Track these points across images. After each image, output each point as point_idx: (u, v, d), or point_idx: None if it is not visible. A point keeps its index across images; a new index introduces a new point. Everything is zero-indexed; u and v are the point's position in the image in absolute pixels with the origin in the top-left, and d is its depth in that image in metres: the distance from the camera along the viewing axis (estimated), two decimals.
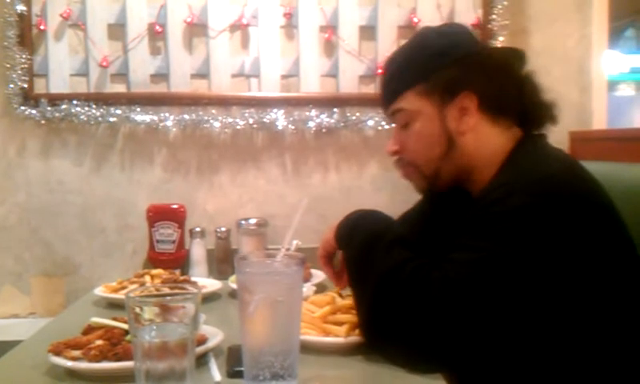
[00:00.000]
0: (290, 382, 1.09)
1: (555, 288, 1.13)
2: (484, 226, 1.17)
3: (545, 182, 1.20)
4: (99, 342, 1.24)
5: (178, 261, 2.27)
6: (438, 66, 1.37)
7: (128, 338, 1.24)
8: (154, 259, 2.27)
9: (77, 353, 1.23)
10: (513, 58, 1.44)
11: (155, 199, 2.54)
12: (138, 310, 1.04)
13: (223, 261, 2.29)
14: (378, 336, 1.18)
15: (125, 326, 1.28)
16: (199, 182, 2.65)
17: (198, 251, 2.25)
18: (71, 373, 1.22)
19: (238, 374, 1.15)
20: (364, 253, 1.27)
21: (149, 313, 1.05)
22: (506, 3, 2.66)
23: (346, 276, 1.40)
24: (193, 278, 1.94)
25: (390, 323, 1.15)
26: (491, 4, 2.66)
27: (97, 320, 1.34)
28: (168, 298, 1.10)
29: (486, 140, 1.37)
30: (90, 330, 1.32)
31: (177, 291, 1.14)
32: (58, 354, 1.24)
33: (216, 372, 1.18)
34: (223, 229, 2.34)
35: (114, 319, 1.34)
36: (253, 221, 2.29)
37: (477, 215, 1.21)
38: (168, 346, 1.04)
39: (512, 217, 1.15)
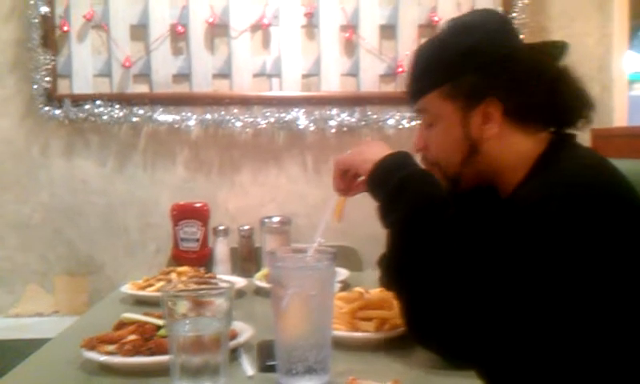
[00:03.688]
0: (322, 376, 1.09)
1: (593, 287, 1.13)
2: (525, 229, 1.16)
3: (582, 187, 1.19)
4: (132, 337, 1.25)
5: (202, 259, 2.28)
6: (464, 68, 1.33)
7: (160, 332, 1.25)
8: (179, 257, 2.29)
9: (110, 348, 1.24)
10: (550, 54, 1.41)
11: (177, 198, 2.55)
12: (172, 304, 1.06)
13: (247, 259, 2.30)
14: (423, 322, 1.19)
15: (157, 322, 1.29)
16: (221, 181, 2.68)
17: (221, 249, 2.26)
18: (104, 367, 1.22)
19: (271, 368, 1.15)
20: (415, 223, 1.25)
21: (183, 307, 1.06)
22: (526, 1, 2.66)
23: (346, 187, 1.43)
24: (217, 276, 1.95)
25: (435, 317, 1.15)
26: (512, 2, 2.67)
27: (128, 316, 1.35)
28: (202, 293, 1.11)
29: (511, 146, 1.35)
30: (121, 325, 1.33)
31: (210, 287, 1.15)
32: (91, 348, 1.25)
33: (248, 366, 1.19)
34: (246, 227, 2.35)
35: (146, 314, 1.36)
36: (276, 219, 2.29)
37: (514, 217, 1.20)
38: (202, 341, 1.06)
39: (552, 221, 1.14)
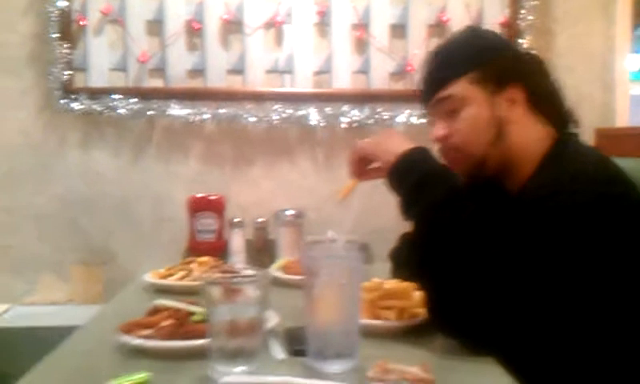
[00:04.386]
0: (351, 361, 1.16)
1: (599, 276, 1.21)
2: (536, 221, 1.24)
3: (589, 183, 1.28)
4: (168, 322, 1.31)
5: (218, 250, 2.34)
6: (491, 57, 1.45)
7: (194, 318, 1.31)
8: (195, 248, 2.35)
9: (146, 332, 1.30)
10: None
11: (190, 191, 2.61)
12: (212, 291, 1.12)
13: (261, 250, 2.36)
14: (445, 309, 1.25)
15: (190, 308, 1.34)
16: (233, 174, 2.74)
17: (237, 241, 2.32)
18: (140, 351, 1.26)
19: (300, 353, 1.21)
20: (435, 217, 1.31)
21: (222, 294, 1.12)
22: (533, 3, 2.72)
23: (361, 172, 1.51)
24: (236, 266, 2.01)
25: (456, 304, 1.22)
26: (519, 4, 2.73)
27: (162, 302, 1.41)
28: (239, 280, 1.18)
29: (528, 133, 1.45)
30: (155, 311, 1.39)
31: (246, 275, 1.21)
32: (128, 332, 1.30)
33: (279, 351, 1.25)
34: (261, 220, 2.42)
35: (179, 301, 1.41)
36: (290, 212, 2.36)
37: (526, 210, 1.28)
38: (239, 326, 1.12)
39: (561, 215, 1.23)
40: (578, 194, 1.25)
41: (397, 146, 1.42)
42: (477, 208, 1.30)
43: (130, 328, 1.31)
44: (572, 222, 1.22)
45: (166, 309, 1.38)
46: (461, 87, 1.45)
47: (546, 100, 1.48)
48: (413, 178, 1.36)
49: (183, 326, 1.30)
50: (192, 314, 1.33)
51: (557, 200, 1.25)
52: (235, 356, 1.12)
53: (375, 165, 1.51)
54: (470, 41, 1.53)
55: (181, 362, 1.21)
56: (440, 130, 1.50)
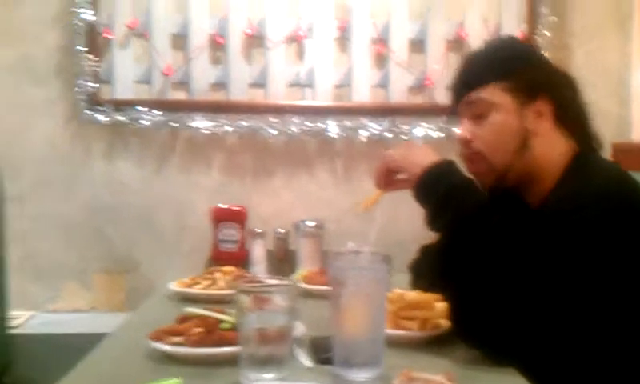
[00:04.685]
0: (376, 369, 1.19)
1: (622, 289, 1.25)
2: (558, 235, 1.27)
3: (610, 198, 1.32)
4: (197, 330, 1.35)
5: (240, 260, 2.38)
6: (524, 67, 1.49)
7: (222, 325, 1.35)
8: (218, 258, 2.40)
9: (177, 339, 1.34)
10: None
11: (212, 202, 2.65)
12: (243, 299, 1.16)
13: (282, 260, 2.41)
14: (469, 320, 1.28)
15: (219, 316, 1.38)
16: (254, 186, 2.79)
17: (258, 251, 2.36)
18: (170, 357, 1.29)
19: (327, 361, 1.25)
20: (462, 228, 1.35)
21: (253, 303, 1.17)
22: (550, 19, 2.76)
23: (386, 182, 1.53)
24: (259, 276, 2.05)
25: (480, 315, 1.25)
26: (536, 19, 2.77)
27: (192, 310, 1.45)
28: (269, 289, 1.22)
29: (552, 147, 1.47)
30: (184, 319, 1.43)
31: (276, 285, 1.25)
32: (158, 339, 1.34)
33: (305, 359, 1.29)
34: (282, 230, 2.46)
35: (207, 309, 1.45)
36: (311, 223, 2.40)
37: (549, 224, 1.31)
38: (269, 334, 1.16)
39: (584, 229, 1.26)
40: (600, 208, 1.29)
41: (423, 158, 1.46)
42: (502, 220, 1.33)
43: (160, 335, 1.35)
44: (595, 237, 1.26)
45: (195, 317, 1.42)
46: (491, 92, 1.47)
47: (573, 116, 1.50)
48: (440, 190, 1.40)
49: (212, 333, 1.33)
50: (221, 321, 1.36)
51: (580, 214, 1.28)
52: (265, 363, 1.15)
53: (401, 176, 1.54)
54: (506, 49, 1.58)
55: (211, 368, 1.24)
56: (465, 131, 1.52)
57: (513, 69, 1.49)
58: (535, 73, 1.49)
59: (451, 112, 1.61)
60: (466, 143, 1.52)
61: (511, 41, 1.65)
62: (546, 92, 1.47)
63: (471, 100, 1.50)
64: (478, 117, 1.50)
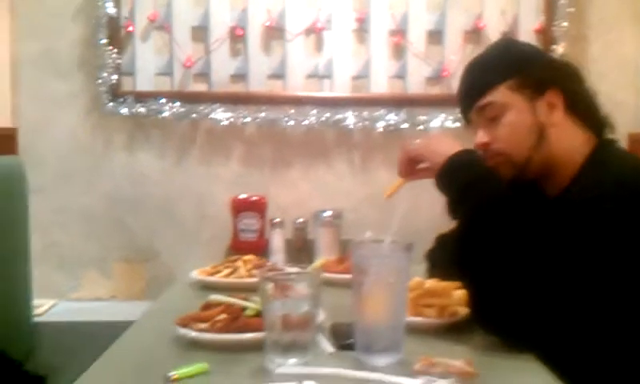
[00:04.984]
0: (397, 355, 1.22)
1: (634, 274, 1.27)
2: (580, 224, 1.29)
3: (631, 187, 1.33)
4: (222, 317, 1.39)
5: (259, 249, 2.41)
6: (528, 64, 1.52)
7: (247, 312, 1.38)
8: (238, 247, 2.43)
9: (202, 325, 1.37)
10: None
11: (232, 192, 2.68)
12: (268, 287, 1.20)
13: (300, 250, 2.44)
14: (488, 306, 1.31)
15: (243, 303, 1.41)
16: (273, 176, 2.83)
17: (277, 240, 2.39)
18: (196, 343, 1.32)
19: (348, 347, 1.28)
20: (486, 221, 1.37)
21: (277, 290, 1.20)
22: (568, 10, 2.77)
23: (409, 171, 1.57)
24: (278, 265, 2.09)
25: (499, 301, 1.27)
26: (554, 11, 2.78)
27: (216, 297, 1.48)
28: (293, 277, 1.25)
29: (569, 137, 1.50)
30: (209, 306, 1.47)
31: (300, 273, 1.29)
32: (184, 326, 1.38)
33: (327, 345, 1.32)
34: (301, 220, 2.50)
35: (232, 296, 1.49)
36: (329, 213, 2.42)
37: (570, 213, 1.33)
38: (292, 320, 1.19)
39: (606, 218, 1.28)
40: (621, 198, 1.31)
41: (446, 147, 1.49)
42: (524, 209, 1.36)
43: (186, 322, 1.38)
44: (616, 227, 1.28)
45: (220, 304, 1.45)
46: (500, 94, 1.51)
47: (583, 105, 1.53)
48: (462, 178, 1.43)
49: (237, 320, 1.37)
50: (245, 308, 1.40)
51: (602, 204, 1.30)
52: (289, 348, 1.19)
53: (423, 165, 1.57)
54: (507, 49, 1.60)
55: (236, 353, 1.27)
56: (482, 137, 1.54)
57: (517, 67, 1.52)
58: (539, 67, 1.52)
59: (465, 122, 1.63)
60: (484, 147, 1.55)
61: (509, 42, 1.69)
62: (553, 84, 1.50)
63: (482, 105, 1.53)
64: (492, 120, 1.53)
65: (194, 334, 1.34)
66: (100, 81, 2.73)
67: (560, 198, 1.48)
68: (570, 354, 1.24)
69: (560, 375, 1.16)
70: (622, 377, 1.32)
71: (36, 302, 2.44)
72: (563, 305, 1.24)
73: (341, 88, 2.80)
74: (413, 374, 1.12)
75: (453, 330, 1.41)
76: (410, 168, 1.60)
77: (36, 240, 2.42)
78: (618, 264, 1.26)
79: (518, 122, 1.51)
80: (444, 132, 2.68)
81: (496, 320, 1.29)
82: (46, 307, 2.68)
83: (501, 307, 1.28)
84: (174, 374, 1.13)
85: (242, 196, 2.54)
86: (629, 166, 1.44)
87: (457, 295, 1.45)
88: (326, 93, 2.81)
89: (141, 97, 2.75)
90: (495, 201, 1.38)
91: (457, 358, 1.17)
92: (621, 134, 1.61)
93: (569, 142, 1.50)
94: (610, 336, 1.27)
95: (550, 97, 1.50)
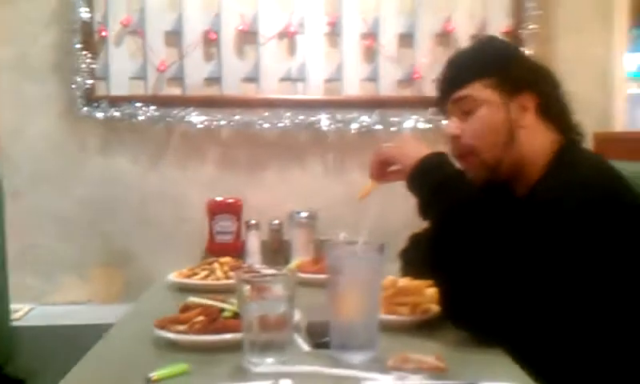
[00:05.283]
0: (371, 351, 1.26)
1: (604, 274, 1.32)
2: (545, 224, 1.34)
3: (594, 188, 1.39)
4: (200, 318, 1.41)
5: (235, 251, 2.42)
6: (507, 64, 1.56)
7: (224, 314, 1.41)
8: (213, 249, 2.45)
9: (181, 327, 1.40)
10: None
11: (207, 195, 2.70)
12: (244, 288, 1.23)
13: (276, 251, 2.46)
14: (459, 303, 1.35)
15: (220, 305, 1.44)
16: (248, 178, 2.86)
17: (253, 242, 2.42)
18: (175, 345, 1.34)
19: (324, 345, 1.32)
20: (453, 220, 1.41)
21: (254, 291, 1.23)
22: (535, 13, 2.83)
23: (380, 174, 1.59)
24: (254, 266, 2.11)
25: (469, 298, 1.32)
26: (522, 13, 2.84)
27: (194, 299, 1.50)
28: (269, 279, 1.29)
29: (537, 139, 1.54)
30: (187, 308, 1.49)
31: (275, 274, 1.32)
32: (162, 328, 1.40)
33: (304, 344, 1.36)
34: (276, 221, 2.52)
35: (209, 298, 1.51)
36: (304, 213, 2.45)
37: (536, 213, 1.38)
38: (269, 321, 1.22)
39: (569, 218, 1.33)
40: (584, 199, 1.35)
41: (417, 150, 1.51)
42: (492, 210, 1.40)
43: (165, 324, 1.40)
44: (577, 225, 1.32)
45: (198, 306, 1.48)
46: (476, 89, 1.54)
47: (556, 109, 1.57)
48: (433, 180, 1.46)
49: (215, 321, 1.39)
50: (222, 310, 1.42)
51: (563, 204, 1.35)
52: (266, 348, 1.21)
53: (395, 168, 1.60)
54: (488, 47, 1.65)
55: (215, 354, 1.28)
56: (454, 128, 1.58)
57: (496, 66, 1.56)
58: (517, 69, 1.56)
59: (440, 112, 1.67)
60: (455, 139, 1.58)
61: (492, 40, 1.72)
62: (529, 87, 1.53)
63: (458, 98, 1.57)
64: (466, 113, 1.56)
65: (173, 335, 1.36)
66: (74, 85, 2.75)
67: (526, 198, 1.52)
68: (535, 347, 1.29)
69: (527, 367, 1.19)
70: (587, 367, 1.36)
71: (13, 306, 2.43)
72: (529, 301, 1.29)
73: (314, 91, 2.84)
74: (386, 370, 1.15)
75: (425, 327, 1.44)
76: (382, 171, 1.62)
77: (11, 244, 2.42)
78: (581, 262, 1.31)
79: (489, 118, 1.54)
80: (415, 135, 2.73)
81: (466, 316, 1.33)
82: (22, 312, 2.68)
83: (471, 304, 1.32)
84: (154, 374, 1.15)
85: (218, 198, 2.56)
86: (592, 166, 1.49)
87: (429, 293, 1.49)
88: (299, 95, 2.85)
89: (115, 101, 2.77)
90: (465, 202, 1.42)
91: (429, 353, 1.20)
92: (587, 133, 1.65)
93: (537, 143, 1.54)
94: (573, 329, 1.32)
95: (524, 99, 1.53)
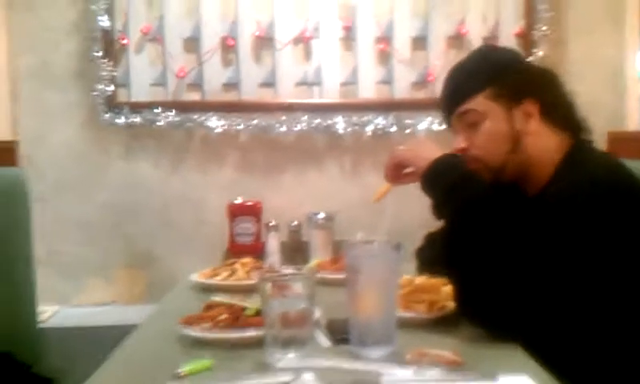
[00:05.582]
0: (390, 347, 1.30)
1: (615, 271, 1.36)
2: (556, 223, 1.37)
3: (605, 187, 1.41)
4: (224, 316, 1.46)
5: (256, 252, 2.46)
6: (506, 73, 1.58)
7: (247, 312, 1.46)
8: (234, 251, 2.50)
9: (206, 325, 1.45)
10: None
11: (227, 198, 2.75)
12: (266, 287, 1.28)
13: (295, 251, 2.51)
14: (474, 299, 1.38)
15: (242, 303, 1.49)
16: (266, 181, 2.91)
17: (273, 243, 2.46)
18: (200, 342, 1.38)
19: (344, 341, 1.36)
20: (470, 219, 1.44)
21: (275, 289, 1.28)
22: (546, 15, 2.86)
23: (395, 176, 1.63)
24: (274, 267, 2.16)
25: (484, 294, 1.35)
26: (534, 15, 2.87)
27: (217, 298, 1.56)
28: (290, 278, 1.34)
29: (544, 143, 1.57)
30: (210, 307, 1.54)
31: (296, 273, 1.37)
32: (188, 325, 1.45)
33: (324, 340, 1.40)
34: (295, 223, 2.57)
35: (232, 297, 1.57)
36: (322, 215, 2.49)
37: (547, 212, 1.41)
38: (290, 317, 1.27)
39: (580, 217, 1.36)
40: (595, 197, 1.39)
41: (430, 152, 1.55)
42: (504, 209, 1.43)
43: (190, 321, 1.46)
44: (591, 222, 1.36)
45: (221, 304, 1.53)
46: (479, 102, 1.57)
47: (560, 111, 1.59)
48: (446, 180, 1.50)
49: (238, 319, 1.44)
50: (245, 308, 1.47)
51: (576, 203, 1.38)
52: (288, 344, 1.25)
53: (409, 170, 1.64)
54: (485, 57, 1.67)
55: (238, 350, 1.33)
56: (461, 142, 1.62)
57: (496, 77, 1.58)
58: (517, 77, 1.58)
59: (446, 126, 1.70)
60: (462, 152, 1.61)
61: (491, 50, 1.74)
62: (530, 93, 1.56)
63: (462, 112, 1.60)
64: (471, 126, 1.59)
65: (198, 332, 1.41)
66: (96, 92, 2.81)
67: (538, 197, 1.56)
68: (550, 342, 1.32)
69: (542, 362, 1.22)
70: (601, 361, 1.40)
71: (40, 308, 2.49)
72: (542, 297, 1.32)
73: (330, 94, 2.89)
74: (404, 365, 1.19)
75: (441, 324, 1.48)
76: (397, 173, 1.66)
77: (37, 248, 2.48)
78: (592, 258, 1.34)
79: (494, 130, 1.57)
80: (428, 137, 2.77)
81: (481, 312, 1.37)
82: (49, 313, 2.75)
83: (486, 300, 1.35)
84: (182, 370, 1.20)
85: (238, 201, 2.61)
86: (602, 165, 1.52)
87: (445, 291, 1.52)
88: (315, 99, 2.90)
89: (136, 107, 2.83)
90: (477, 201, 1.45)
91: (445, 349, 1.24)
92: (600, 132, 1.68)
93: (544, 147, 1.57)
94: (586, 325, 1.36)
95: (527, 106, 1.56)
